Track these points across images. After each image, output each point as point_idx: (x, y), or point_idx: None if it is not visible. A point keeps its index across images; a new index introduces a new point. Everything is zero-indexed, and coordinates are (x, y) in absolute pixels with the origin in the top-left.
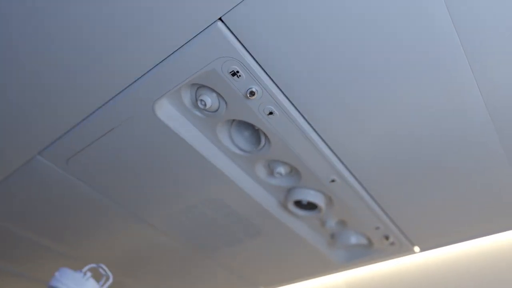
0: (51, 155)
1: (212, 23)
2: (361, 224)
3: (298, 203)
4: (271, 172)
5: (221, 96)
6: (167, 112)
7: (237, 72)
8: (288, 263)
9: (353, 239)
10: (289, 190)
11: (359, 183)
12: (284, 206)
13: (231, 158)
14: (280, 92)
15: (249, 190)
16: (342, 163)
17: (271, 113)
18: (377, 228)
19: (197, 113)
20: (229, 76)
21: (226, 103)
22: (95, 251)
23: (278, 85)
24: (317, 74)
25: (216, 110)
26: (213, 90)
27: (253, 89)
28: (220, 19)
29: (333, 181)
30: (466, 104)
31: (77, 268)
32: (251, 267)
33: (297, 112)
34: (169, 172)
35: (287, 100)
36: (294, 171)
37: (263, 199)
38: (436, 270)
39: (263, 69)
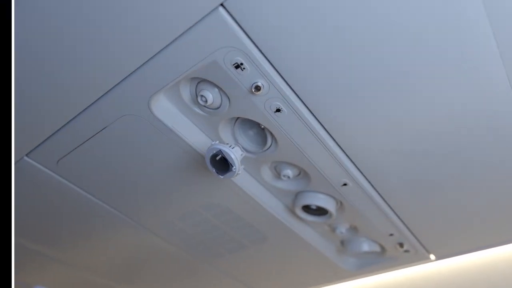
0: (40, 156)
1: (213, 10)
2: (374, 231)
3: (307, 208)
4: (277, 175)
5: (223, 91)
6: (164, 109)
7: (241, 64)
8: (295, 271)
9: (365, 246)
10: (297, 194)
11: (373, 187)
12: (291, 211)
13: None
14: (289, 87)
15: (254, 193)
16: (355, 165)
17: (278, 110)
18: (391, 235)
19: (197, 110)
20: (232, 68)
21: (229, 99)
22: (89, 256)
23: (286, 79)
24: (331, 69)
25: (218, 107)
26: (214, 85)
27: (259, 84)
28: (221, 4)
29: (345, 184)
30: (498, 109)
31: (71, 273)
32: (256, 274)
33: (307, 110)
34: (167, 174)
35: (296, 96)
36: (302, 174)
37: (269, 203)
38: (452, 279)
39: (269, 61)
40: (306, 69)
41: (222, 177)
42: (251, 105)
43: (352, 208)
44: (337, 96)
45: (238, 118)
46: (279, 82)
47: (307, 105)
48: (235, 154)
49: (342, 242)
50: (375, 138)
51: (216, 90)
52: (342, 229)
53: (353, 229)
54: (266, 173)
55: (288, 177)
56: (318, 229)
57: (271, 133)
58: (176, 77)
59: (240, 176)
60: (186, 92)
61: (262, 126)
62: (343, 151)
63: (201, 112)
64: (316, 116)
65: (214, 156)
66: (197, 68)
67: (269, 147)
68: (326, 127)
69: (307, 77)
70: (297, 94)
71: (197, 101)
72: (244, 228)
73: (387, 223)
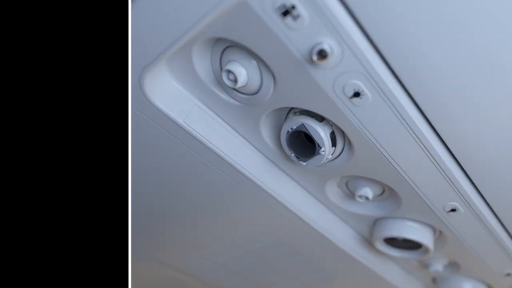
0: None
1: None
2: (483, 269)
3: (391, 239)
4: (350, 194)
5: (264, 63)
6: (168, 93)
7: (293, 8)
8: None
9: (467, 287)
10: (377, 221)
11: (494, 213)
12: (368, 243)
13: (285, 171)
14: (378, 56)
15: (315, 220)
16: (473, 184)
17: (357, 94)
18: (508, 274)
19: (224, 96)
20: (277, 17)
21: (274, 76)
22: None
23: (375, 40)
24: (460, 36)
25: (257, 91)
26: (250, 53)
27: (325, 47)
28: None
29: (453, 210)
30: None
31: None
32: None
33: (405, 95)
34: (182, 191)
35: (389, 72)
36: (388, 194)
37: (337, 233)
38: None
39: (344, 3)
40: (415, 26)
41: (304, 163)
42: (311, 86)
43: (458, 240)
44: (461, 78)
45: (291, 109)
46: (361, 44)
47: (407, 87)
48: (324, 131)
49: (434, 279)
50: (504, 147)
51: (254, 62)
52: (439, 266)
53: (453, 265)
54: (334, 191)
55: (367, 198)
56: (404, 266)
57: (342, 133)
58: (182, 35)
59: (295, 195)
60: (204, 65)
61: (330, 121)
62: (458, 163)
63: (229, 99)
64: (421, 107)
65: (293, 135)
66: (215, 17)
67: (340, 154)
68: (435, 126)
69: (415, 41)
70: (392, 68)
71: (222, 80)
72: (303, 265)
73: (505, 260)
